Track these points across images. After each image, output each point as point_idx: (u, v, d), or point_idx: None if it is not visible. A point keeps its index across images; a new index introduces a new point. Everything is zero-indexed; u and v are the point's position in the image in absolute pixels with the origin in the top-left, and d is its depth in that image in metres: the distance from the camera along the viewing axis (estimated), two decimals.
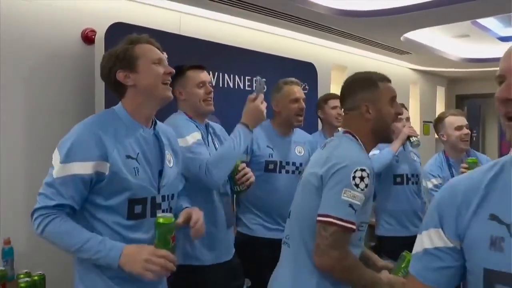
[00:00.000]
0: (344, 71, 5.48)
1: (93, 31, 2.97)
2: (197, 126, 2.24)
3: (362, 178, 1.51)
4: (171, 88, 1.70)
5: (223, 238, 2.24)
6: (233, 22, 3.93)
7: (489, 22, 5.38)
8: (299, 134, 2.89)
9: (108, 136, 1.55)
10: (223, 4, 3.47)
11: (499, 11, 4.33)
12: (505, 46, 5.10)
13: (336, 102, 3.34)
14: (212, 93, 2.30)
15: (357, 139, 1.66)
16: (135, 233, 1.59)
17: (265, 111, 2.15)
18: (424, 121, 7.11)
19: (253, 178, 2.29)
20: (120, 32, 2.71)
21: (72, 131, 1.58)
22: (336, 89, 5.45)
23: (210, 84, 2.33)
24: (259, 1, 3.44)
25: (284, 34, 4.48)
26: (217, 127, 2.46)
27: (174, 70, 1.71)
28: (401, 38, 4.87)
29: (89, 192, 1.55)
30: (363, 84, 1.69)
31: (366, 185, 1.52)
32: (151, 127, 1.70)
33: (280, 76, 4.00)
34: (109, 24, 2.73)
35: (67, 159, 1.51)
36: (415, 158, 3.36)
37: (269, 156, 2.70)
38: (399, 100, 6.39)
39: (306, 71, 4.28)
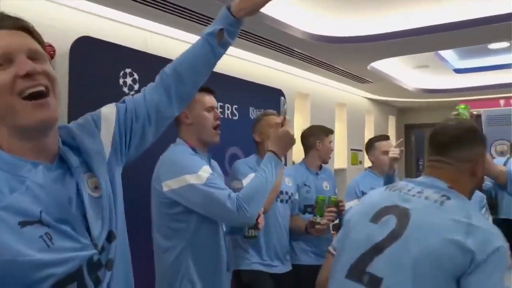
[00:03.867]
0: (307, 98, 5.35)
1: (51, 46, 2.59)
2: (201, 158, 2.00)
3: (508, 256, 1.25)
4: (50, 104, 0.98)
5: (224, 282, 2.02)
6: None
7: (448, 54, 5.47)
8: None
9: None
10: (192, 22, 3.19)
11: (461, 44, 4.41)
12: (459, 77, 5.32)
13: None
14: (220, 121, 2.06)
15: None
16: None
17: (294, 135, 1.97)
18: None
19: (263, 222, 2.23)
20: (88, 47, 2.44)
21: None
22: (299, 117, 5.30)
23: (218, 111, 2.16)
24: None
25: (252, 59, 4.26)
26: (214, 163, 2.19)
27: (34, 67, 0.97)
28: (368, 67, 4.81)
29: None
30: (482, 139, 1.50)
31: None
32: (55, 158, 1.04)
33: (249, 102, 3.84)
34: (75, 38, 2.38)
35: None
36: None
37: None
38: (356, 129, 6.39)
39: (275, 98, 4.09)
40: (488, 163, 2.37)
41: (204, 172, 1.84)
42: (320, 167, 3.21)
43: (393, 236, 1.33)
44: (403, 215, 1.36)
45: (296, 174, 3.03)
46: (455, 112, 2.25)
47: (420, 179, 1.50)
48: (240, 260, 2.60)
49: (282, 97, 2.05)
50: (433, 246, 1.25)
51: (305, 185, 3.06)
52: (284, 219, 2.76)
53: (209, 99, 2.08)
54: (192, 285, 1.87)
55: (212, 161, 2.17)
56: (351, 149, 6.35)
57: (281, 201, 2.74)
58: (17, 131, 0.97)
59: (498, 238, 1.24)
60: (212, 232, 1.94)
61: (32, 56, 0.97)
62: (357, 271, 1.36)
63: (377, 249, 1.34)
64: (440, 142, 1.48)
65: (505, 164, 4.93)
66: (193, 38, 3.55)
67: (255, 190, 1.83)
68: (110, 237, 1.08)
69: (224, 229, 2.05)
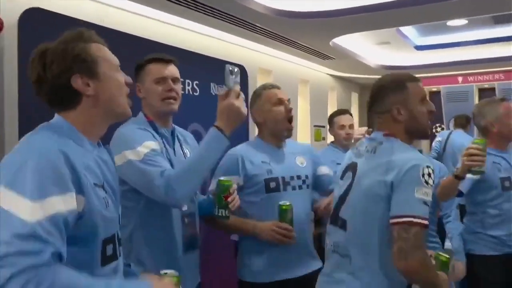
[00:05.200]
0: (270, 75, 5.32)
1: None
2: (157, 132, 1.90)
3: (429, 175, 1.52)
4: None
5: (181, 265, 1.87)
6: (163, 19, 3.56)
7: (409, 30, 5.52)
8: (293, 145, 2.41)
9: (75, 158, 1.13)
10: None
11: (421, 20, 4.46)
12: (419, 54, 5.42)
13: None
14: (174, 91, 1.94)
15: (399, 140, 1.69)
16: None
17: (243, 107, 1.72)
18: None
19: (238, 203, 1.99)
20: (38, 20, 2.32)
21: (27, 151, 1.10)
22: None
23: (176, 81, 1.97)
24: None
25: (214, 34, 4.18)
26: (188, 135, 2.11)
27: (131, 80, 1.37)
28: (330, 43, 4.80)
29: None
30: (392, 87, 1.69)
31: (433, 181, 1.53)
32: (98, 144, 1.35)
33: (211, 78, 3.77)
34: (23, 10, 2.26)
35: (41, 192, 1.02)
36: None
37: (268, 173, 2.18)
38: (320, 106, 6.43)
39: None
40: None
41: (144, 147, 1.73)
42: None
43: (349, 187, 1.69)
44: (354, 169, 1.71)
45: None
46: None
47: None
48: (255, 273, 2.16)
49: (228, 65, 1.72)
50: (365, 186, 1.62)
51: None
52: (303, 211, 2.23)
53: (158, 70, 1.93)
54: (141, 265, 1.76)
55: (185, 132, 2.09)
56: (314, 126, 6.38)
57: (293, 188, 2.19)
58: (122, 118, 1.37)
59: (413, 161, 1.53)
60: (164, 212, 1.85)
61: None
62: (334, 217, 1.75)
63: (343, 199, 1.71)
64: (367, 103, 1.80)
65: (447, 137, 5.45)
66: (153, 13, 3.48)
67: (188, 170, 1.68)
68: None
69: (185, 208, 1.96)
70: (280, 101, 2.22)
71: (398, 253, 1.47)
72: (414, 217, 1.47)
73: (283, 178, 2.19)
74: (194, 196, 2.03)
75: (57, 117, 1.25)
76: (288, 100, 2.28)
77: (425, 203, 1.48)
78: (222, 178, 1.99)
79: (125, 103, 1.32)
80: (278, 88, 2.29)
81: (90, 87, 1.24)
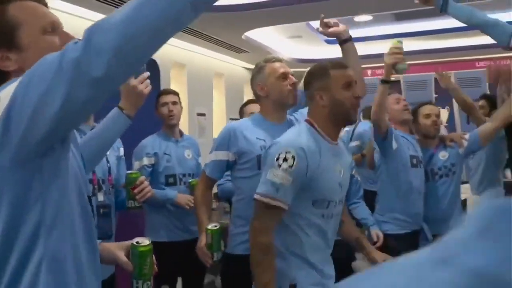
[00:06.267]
0: (183, 68, 5.27)
1: None
2: None
3: (285, 159, 1.61)
4: None
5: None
6: (75, 12, 3.40)
7: (319, 25, 5.69)
8: (294, 124, 2.22)
9: None
10: None
11: (328, 15, 4.60)
12: (330, 48, 5.61)
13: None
14: None
15: (312, 125, 1.76)
16: None
17: (146, 90, 1.69)
18: None
19: (150, 194, 2.02)
20: None
21: None
22: (176, 87, 5.21)
23: None
24: None
25: None
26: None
27: (76, 38, 1.03)
28: (243, 37, 4.84)
29: None
30: (316, 74, 1.79)
31: (291, 166, 1.61)
32: None
33: None
34: None
35: None
36: None
37: (262, 149, 2.02)
38: (235, 99, 6.41)
39: (149, 68, 3.96)
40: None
41: None
42: (181, 134, 3.06)
43: None
44: None
45: (154, 144, 2.89)
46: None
47: None
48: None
49: None
50: None
51: (165, 153, 2.95)
52: None
53: None
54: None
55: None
56: (230, 118, 6.41)
57: None
58: None
59: (276, 144, 1.67)
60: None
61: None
62: None
63: None
64: None
65: (354, 128, 5.75)
66: (64, 6, 3.31)
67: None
68: None
69: (101, 199, 2.02)
70: (285, 75, 2.09)
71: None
72: (257, 194, 1.64)
73: None
74: (110, 189, 2.11)
75: None
76: (292, 73, 2.16)
77: (273, 184, 1.60)
78: (129, 171, 2.12)
79: None
80: (281, 61, 2.18)
81: (10, 61, 1.03)
